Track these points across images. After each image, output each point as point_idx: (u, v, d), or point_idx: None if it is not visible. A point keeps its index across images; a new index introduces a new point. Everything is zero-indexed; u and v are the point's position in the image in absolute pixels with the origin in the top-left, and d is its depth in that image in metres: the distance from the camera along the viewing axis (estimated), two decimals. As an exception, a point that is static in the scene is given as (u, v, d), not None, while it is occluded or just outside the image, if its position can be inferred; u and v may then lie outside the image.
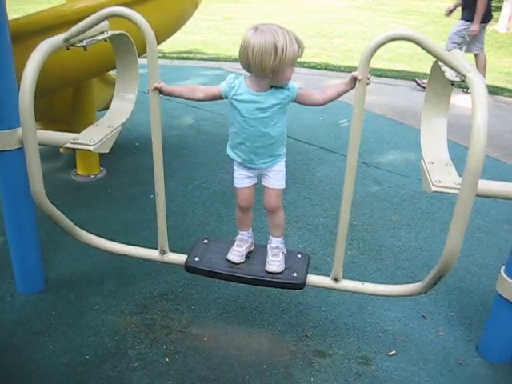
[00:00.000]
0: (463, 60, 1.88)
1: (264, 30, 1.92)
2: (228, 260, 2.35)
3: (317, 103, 2.10)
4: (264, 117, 2.06)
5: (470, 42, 6.56)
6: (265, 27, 1.93)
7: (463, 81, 1.83)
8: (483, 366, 2.41)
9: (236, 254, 2.36)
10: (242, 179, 2.27)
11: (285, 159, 2.25)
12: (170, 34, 3.92)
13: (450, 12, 7.13)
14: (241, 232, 2.40)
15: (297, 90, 2.07)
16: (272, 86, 2.04)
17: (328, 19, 13.32)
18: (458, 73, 1.83)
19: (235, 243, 2.40)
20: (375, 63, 7.99)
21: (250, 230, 2.41)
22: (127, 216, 3.58)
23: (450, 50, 2.23)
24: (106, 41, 2.39)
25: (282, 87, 2.05)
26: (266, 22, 1.99)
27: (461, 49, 6.29)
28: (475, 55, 6.62)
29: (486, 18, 6.44)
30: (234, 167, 2.28)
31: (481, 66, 6.57)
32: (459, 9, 6.73)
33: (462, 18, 6.59)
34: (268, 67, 1.93)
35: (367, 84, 1.91)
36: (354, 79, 1.92)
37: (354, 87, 1.95)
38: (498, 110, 6.30)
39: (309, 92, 2.10)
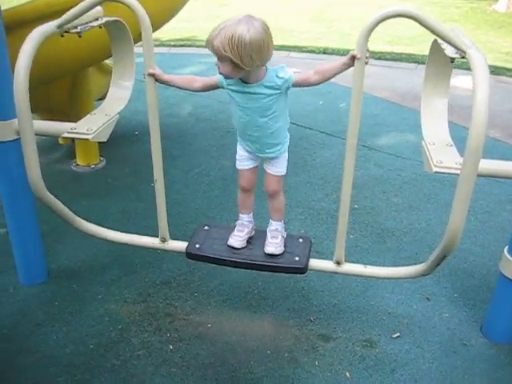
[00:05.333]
0: (463, 37, 1.85)
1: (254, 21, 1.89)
2: (229, 245, 2.34)
3: (313, 84, 2.07)
4: (258, 106, 2.03)
5: None
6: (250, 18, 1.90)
7: (463, 57, 1.80)
8: (487, 346, 2.41)
9: (237, 238, 2.35)
10: (244, 160, 2.26)
11: (287, 144, 2.23)
12: (165, 20, 3.88)
13: None
14: (241, 216, 2.38)
15: (293, 77, 2.02)
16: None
17: (325, 3, 13.17)
18: (458, 49, 1.81)
19: (235, 228, 2.39)
20: (375, 46, 7.90)
21: (251, 214, 2.39)
22: (127, 205, 3.57)
23: None
24: (100, 27, 2.36)
25: (276, 76, 2.00)
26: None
27: None
28: None
29: None
30: (237, 149, 2.26)
31: None
32: None
33: None
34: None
35: (366, 63, 1.88)
36: (353, 58, 1.88)
37: (352, 66, 1.91)
38: (498, 89, 6.24)
39: (303, 76, 2.05)
